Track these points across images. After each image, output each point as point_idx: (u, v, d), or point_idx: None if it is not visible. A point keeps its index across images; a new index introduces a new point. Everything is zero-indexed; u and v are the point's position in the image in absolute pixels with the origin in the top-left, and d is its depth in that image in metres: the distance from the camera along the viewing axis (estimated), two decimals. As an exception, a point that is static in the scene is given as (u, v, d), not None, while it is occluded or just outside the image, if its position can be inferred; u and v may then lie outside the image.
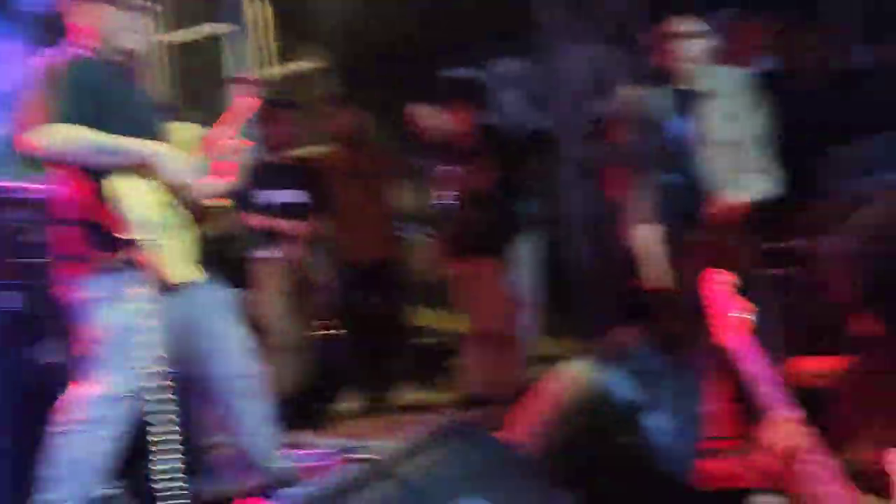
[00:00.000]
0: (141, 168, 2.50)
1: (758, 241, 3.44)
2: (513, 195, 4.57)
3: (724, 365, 3.34)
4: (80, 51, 2.61)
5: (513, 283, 4.66)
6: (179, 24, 6.45)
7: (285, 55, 6.57)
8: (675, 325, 3.20)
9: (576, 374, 1.99)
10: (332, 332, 4.93)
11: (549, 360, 5.22)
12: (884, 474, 1.34)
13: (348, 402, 4.95)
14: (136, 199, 2.47)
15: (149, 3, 2.77)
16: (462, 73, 6.57)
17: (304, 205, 4.66)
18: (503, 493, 1.17)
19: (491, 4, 6.09)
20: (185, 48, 6.48)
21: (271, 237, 4.56)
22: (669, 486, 2.08)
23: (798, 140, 3.94)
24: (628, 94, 3.48)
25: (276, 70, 6.30)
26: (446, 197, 4.74)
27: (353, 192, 4.91)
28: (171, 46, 6.38)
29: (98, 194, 2.43)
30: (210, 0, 6.65)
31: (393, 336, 5.18)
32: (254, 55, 6.38)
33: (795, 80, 4.38)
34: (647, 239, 3.33)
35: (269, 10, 6.50)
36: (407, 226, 5.50)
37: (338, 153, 5.14)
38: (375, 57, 6.47)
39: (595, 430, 1.87)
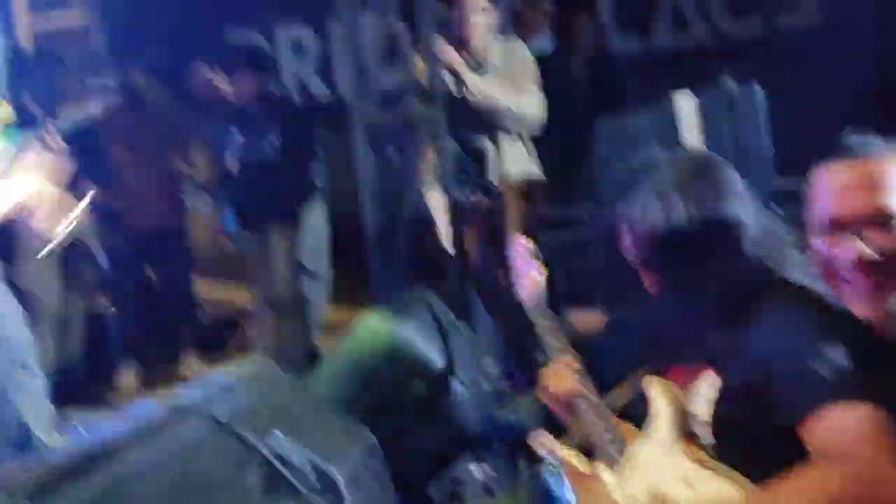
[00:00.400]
0: None
1: (539, 208, 3.69)
2: (300, 163, 4.55)
3: (515, 321, 3.59)
4: None
5: (301, 251, 4.64)
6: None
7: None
8: (465, 285, 3.38)
9: (374, 327, 2.06)
10: (109, 303, 4.67)
11: (340, 327, 5.30)
12: (645, 405, 1.51)
13: (128, 376, 4.71)
14: None
15: None
16: (246, 36, 6.41)
17: (84, 171, 4.34)
18: (310, 430, 1.21)
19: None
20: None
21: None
22: (463, 431, 2.22)
23: (572, 114, 4.27)
24: (417, 64, 3.55)
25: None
26: (231, 163, 4.62)
27: (134, 157, 4.65)
28: None
29: None
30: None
31: (176, 307, 4.99)
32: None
33: (569, 59, 4.75)
34: (438, 204, 3.46)
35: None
36: (191, 193, 5.28)
37: (113, 114, 4.83)
38: (153, 14, 6.13)
39: (392, 379, 1.95)
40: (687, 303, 1.49)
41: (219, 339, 5.38)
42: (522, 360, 3.11)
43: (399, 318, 2.10)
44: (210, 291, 5.64)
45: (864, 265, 1.26)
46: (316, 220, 4.73)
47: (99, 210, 4.38)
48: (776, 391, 1.28)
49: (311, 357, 4.15)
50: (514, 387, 3.38)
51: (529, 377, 3.17)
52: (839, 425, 1.16)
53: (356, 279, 4.84)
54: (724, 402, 1.40)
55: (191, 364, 4.89)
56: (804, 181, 1.47)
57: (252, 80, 4.52)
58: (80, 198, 4.11)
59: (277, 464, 1.05)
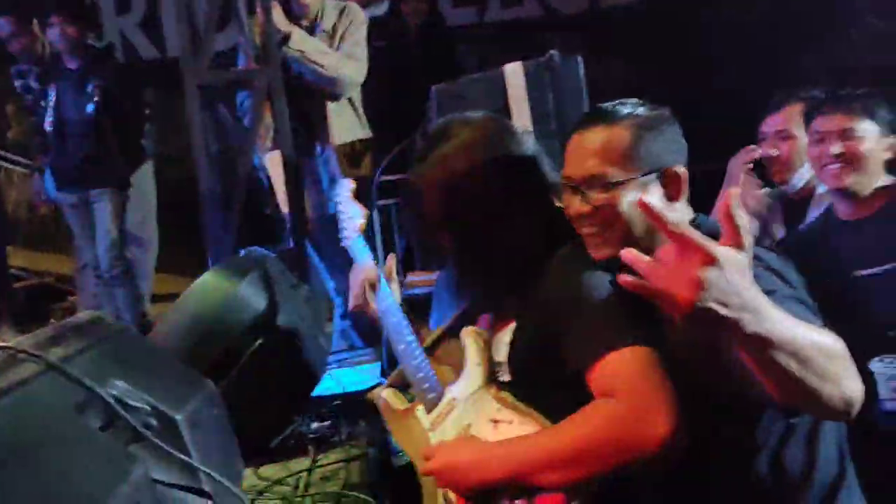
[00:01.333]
0: None
1: (371, 172, 3.74)
2: (125, 123, 4.34)
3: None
4: None
5: (128, 217, 4.44)
6: None
7: None
8: (304, 245, 3.40)
9: (211, 283, 2.05)
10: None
11: (172, 297, 5.14)
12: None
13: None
14: None
15: None
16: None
17: None
18: (148, 378, 1.22)
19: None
20: None
21: None
22: (303, 386, 2.26)
23: (406, 80, 4.34)
24: (252, 24, 3.49)
25: None
26: (49, 125, 4.33)
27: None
28: None
29: None
30: None
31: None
32: None
33: (404, 27, 4.81)
34: (276, 165, 3.44)
35: None
36: (4, 157, 4.92)
37: None
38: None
39: (230, 334, 1.96)
40: (477, 259, 1.61)
41: (40, 310, 5.08)
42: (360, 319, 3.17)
43: (236, 275, 2.10)
44: (30, 261, 5.31)
45: (579, 217, 1.44)
46: (144, 185, 4.53)
47: None
48: (560, 340, 1.42)
49: (142, 328, 4.01)
50: (353, 345, 3.46)
51: (368, 337, 3.25)
52: (614, 368, 1.33)
53: (188, 246, 4.72)
54: (517, 346, 1.54)
55: (6, 338, 4.59)
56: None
57: (68, 30, 4.23)
58: None
59: (116, 406, 1.06)
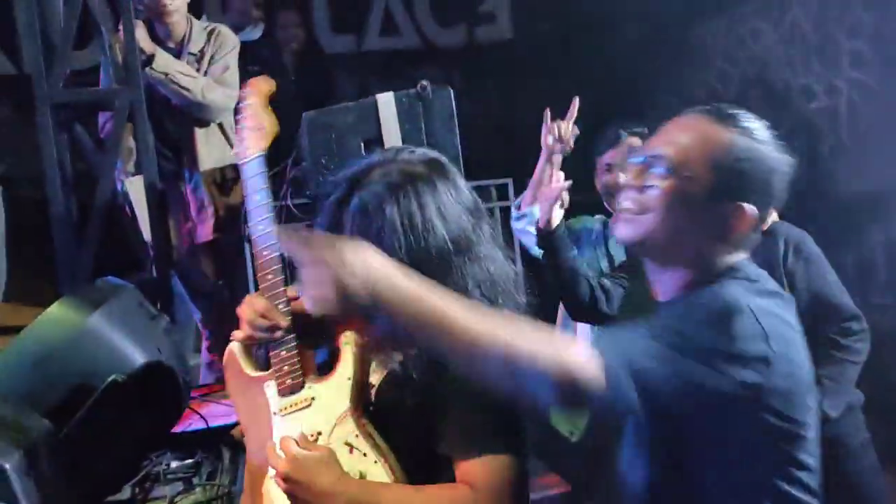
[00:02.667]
0: None
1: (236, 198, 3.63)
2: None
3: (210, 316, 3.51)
4: None
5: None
6: None
7: None
8: (166, 273, 3.25)
9: (60, 315, 1.92)
10: None
11: (19, 329, 4.80)
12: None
13: None
14: None
15: None
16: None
17: None
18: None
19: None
20: None
21: None
22: (162, 423, 2.15)
23: (278, 105, 4.25)
24: (114, 42, 3.34)
25: None
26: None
27: None
28: None
29: None
30: None
31: None
32: None
33: (278, 51, 4.74)
34: (136, 191, 3.29)
35: None
36: None
37: None
38: None
39: (81, 370, 1.84)
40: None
41: None
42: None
43: (87, 306, 1.97)
44: None
45: (626, 188, 1.46)
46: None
47: None
48: (436, 412, 1.41)
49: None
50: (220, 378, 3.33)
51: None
52: (486, 470, 1.37)
53: (39, 275, 4.44)
54: (390, 387, 1.50)
55: None
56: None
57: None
58: None
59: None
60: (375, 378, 1.53)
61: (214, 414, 2.61)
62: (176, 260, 3.39)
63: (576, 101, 2.60)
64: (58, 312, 1.93)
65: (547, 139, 2.58)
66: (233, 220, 3.42)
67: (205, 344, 3.51)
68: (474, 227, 1.45)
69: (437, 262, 1.38)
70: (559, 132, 2.55)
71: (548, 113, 2.60)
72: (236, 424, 2.25)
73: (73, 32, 3.20)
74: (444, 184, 1.45)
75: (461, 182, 1.49)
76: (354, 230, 1.41)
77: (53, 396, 1.73)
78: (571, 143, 2.59)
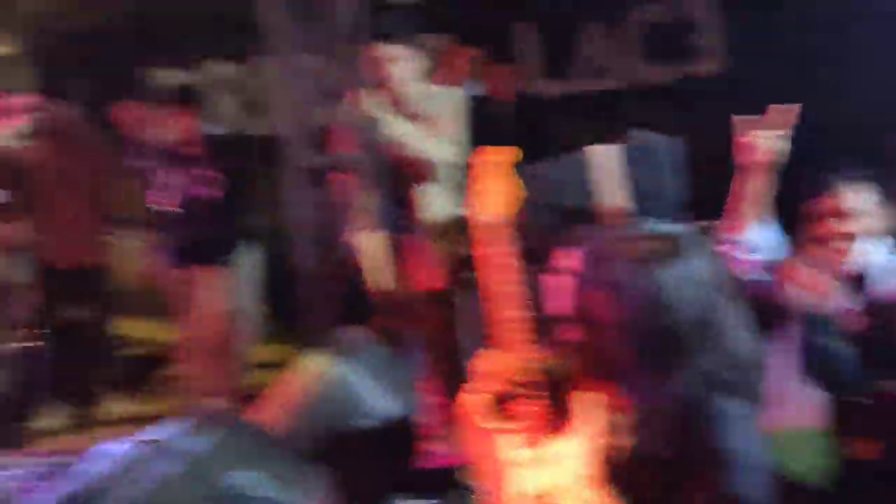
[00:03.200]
0: None
1: (462, 248, 3.82)
2: (232, 203, 4.58)
3: (436, 362, 3.69)
4: None
5: (232, 291, 4.66)
6: None
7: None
8: (395, 323, 3.48)
9: (314, 366, 2.14)
10: (32, 341, 4.57)
11: (272, 365, 5.31)
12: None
13: (51, 417, 4.61)
14: None
15: None
16: (174, 73, 6.42)
17: (5, 204, 4.30)
18: (268, 469, 1.29)
19: (204, 3, 6.03)
20: None
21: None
22: (400, 463, 2.30)
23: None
24: (352, 105, 3.65)
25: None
26: (161, 203, 4.62)
27: (58, 191, 4.59)
28: None
29: None
30: None
31: (98, 346, 4.91)
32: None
33: (493, 105, 4.94)
34: (369, 245, 3.55)
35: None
36: (117, 230, 5.23)
37: (42, 149, 4.78)
38: (79, 48, 6.09)
39: (336, 418, 2.03)
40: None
41: (144, 377, 5.31)
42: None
43: (338, 357, 2.18)
44: (134, 329, 5.58)
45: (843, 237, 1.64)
46: (246, 259, 4.76)
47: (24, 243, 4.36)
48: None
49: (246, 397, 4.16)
50: (444, 422, 3.49)
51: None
52: None
53: (287, 318, 4.90)
54: (633, 451, 1.47)
55: (113, 404, 4.83)
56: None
57: (182, 118, 4.55)
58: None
59: (242, 500, 1.13)
60: (615, 442, 1.55)
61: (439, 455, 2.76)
62: (406, 309, 3.61)
63: (794, 109, 2.42)
64: (317, 365, 2.16)
65: (753, 150, 2.40)
66: (459, 271, 3.60)
67: (426, 386, 3.69)
68: (720, 304, 1.40)
69: (683, 342, 1.34)
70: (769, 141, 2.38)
71: (743, 123, 2.42)
72: (462, 467, 2.35)
73: (318, 101, 3.56)
74: (691, 259, 1.40)
75: (707, 256, 1.44)
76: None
77: (313, 441, 1.93)
78: (782, 155, 2.40)
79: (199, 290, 4.56)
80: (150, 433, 1.24)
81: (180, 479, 1.09)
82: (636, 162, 2.90)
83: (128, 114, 5.30)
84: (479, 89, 4.81)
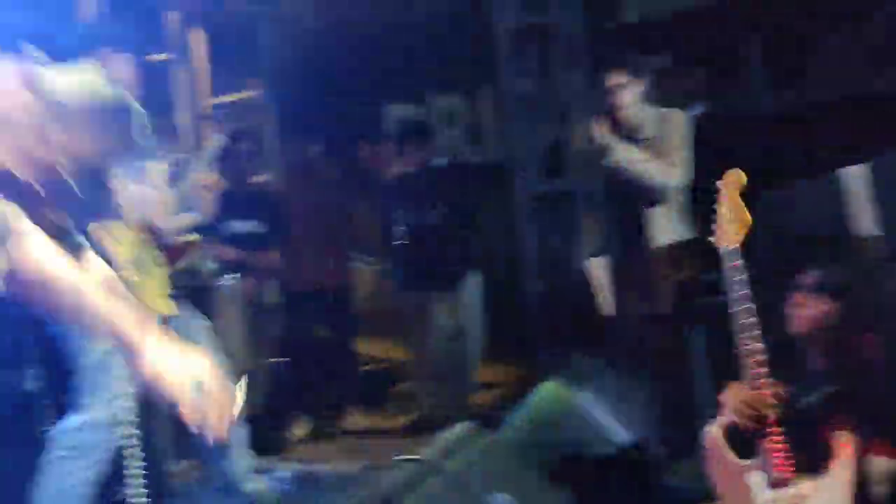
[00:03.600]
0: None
1: (689, 273, 3.74)
2: (459, 229, 4.80)
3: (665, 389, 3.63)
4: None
5: (457, 312, 4.88)
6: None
7: (224, 84, 6.60)
8: (625, 349, 3.48)
9: (551, 392, 2.21)
10: (282, 358, 5.02)
11: (497, 385, 5.47)
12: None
13: (299, 428, 5.03)
14: (114, 240, 2.54)
15: None
16: (404, 109, 6.82)
17: (259, 233, 4.79)
18: (519, 489, 1.37)
19: (432, 38, 6.36)
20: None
21: (229, 265, 4.66)
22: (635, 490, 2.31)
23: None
24: (579, 131, 3.71)
25: (219, 99, 6.33)
26: (394, 230, 4.94)
27: (304, 221, 5.03)
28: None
29: None
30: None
31: (340, 363, 5.29)
32: (195, 84, 6.41)
33: (720, 124, 4.79)
34: (598, 270, 3.59)
35: (206, 39, 6.56)
36: (356, 256, 5.65)
37: (291, 182, 5.28)
38: (315, 88, 6.62)
39: (576, 445, 2.08)
40: None
41: (378, 393, 5.66)
42: (684, 423, 3.18)
43: (576, 384, 2.24)
44: (371, 348, 5.95)
45: None
46: (472, 283, 4.97)
47: (275, 268, 4.82)
48: None
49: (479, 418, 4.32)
50: (674, 451, 3.43)
51: (690, 441, 3.22)
52: None
53: (509, 340, 5.03)
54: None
55: (354, 417, 5.17)
56: None
57: (412, 151, 4.85)
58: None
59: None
60: (873, 489, 1.49)
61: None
62: (636, 335, 3.60)
63: None
64: (550, 390, 2.23)
65: None
66: (685, 296, 3.54)
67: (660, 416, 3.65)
68: None
69: None
70: None
71: None
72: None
73: (539, 127, 3.65)
74: None
75: None
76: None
77: (553, 467, 2.00)
78: None
79: (428, 312, 4.81)
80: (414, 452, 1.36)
81: (447, 497, 1.19)
82: (889, 184, 2.70)
83: (362, 149, 5.76)
84: (705, 109, 4.69)
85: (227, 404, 1.40)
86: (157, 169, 2.83)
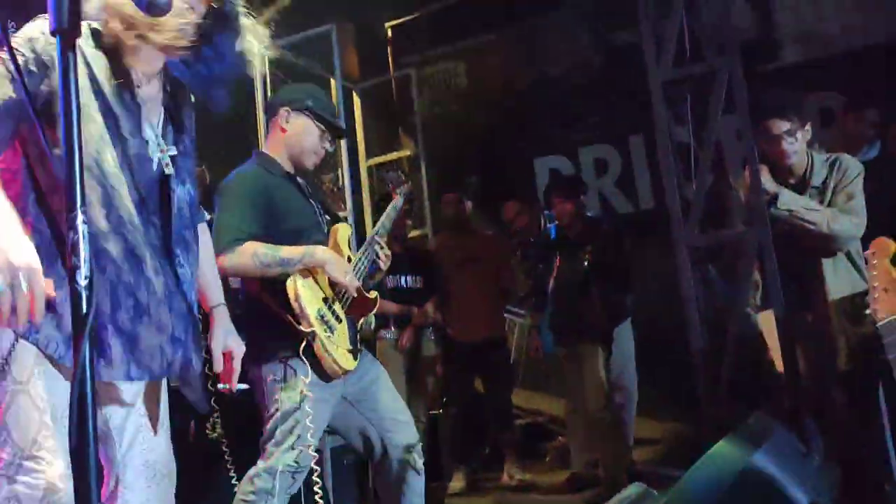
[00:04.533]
0: (309, 269, 2.73)
1: (868, 328, 3.51)
2: (611, 280, 4.75)
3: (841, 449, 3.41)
4: (260, 158, 2.91)
5: (615, 367, 4.80)
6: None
7: (381, 144, 6.89)
8: (797, 407, 3.30)
9: (727, 452, 2.13)
10: (440, 409, 5.10)
11: (655, 442, 5.32)
12: None
13: (455, 480, 5.06)
14: (308, 295, 2.70)
15: (343, 132, 3.08)
16: (555, 161, 6.88)
17: (416, 288, 4.94)
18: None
19: (583, 90, 6.41)
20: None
21: (390, 319, 4.83)
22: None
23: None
24: (742, 179, 3.61)
25: (378, 160, 6.61)
26: (548, 282, 4.94)
27: (461, 275, 5.13)
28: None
29: (277, 290, 2.67)
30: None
31: (495, 415, 5.30)
32: (355, 145, 6.72)
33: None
34: (765, 323, 3.44)
35: (363, 101, 6.88)
36: (511, 308, 5.70)
37: (446, 238, 5.42)
38: (468, 144, 6.80)
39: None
40: None
41: (534, 448, 5.62)
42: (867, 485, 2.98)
43: (749, 445, 2.14)
44: (527, 401, 5.95)
45: None
46: (625, 338, 4.89)
47: (434, 322, 4.93)
48: None
49: (639, 476, 4.21)
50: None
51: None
52: None
53: (669, 395, 4.89)
54: None
55: (511, 470, 5.15)
56: None
57: (567, 206, 4.87)
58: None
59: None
60: None
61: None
62: (809, 392, 3.41)
63: None
64: (725, 449, 2.15)
65: None
66: (865, 351, 3.32)
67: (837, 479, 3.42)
68: None
69: None
70: None
71: None
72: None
73: (706, 185, 3.57)
74: None
75: None
76: None
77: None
78: None
79: (582, 366, 4.75)
80: None
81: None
82: None
83: (513, 204, 5.85)
84: (878, 152, 4.44)
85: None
86: (344, 230, 2.97)
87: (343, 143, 6.68)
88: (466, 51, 7.20)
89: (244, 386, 2.15)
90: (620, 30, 6.16)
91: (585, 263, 4.76)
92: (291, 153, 2.91)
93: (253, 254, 2.66)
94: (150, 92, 1.90)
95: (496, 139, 6.78)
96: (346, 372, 2.74)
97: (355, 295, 2.83)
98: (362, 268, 2.91)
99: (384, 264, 2.98)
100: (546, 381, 5.66)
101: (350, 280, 2.77)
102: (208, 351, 2.08)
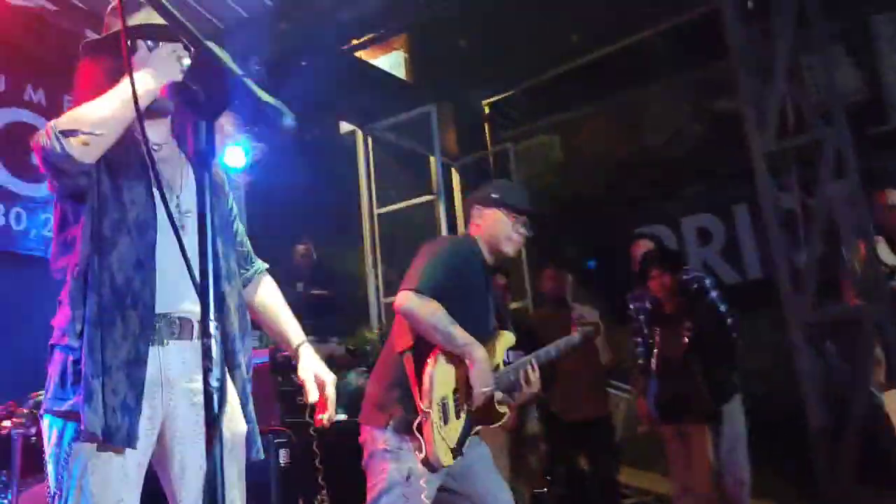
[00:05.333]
0: (458, 358, 2.73)
1: None
2: (717, 355, 4.58)
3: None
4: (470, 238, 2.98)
5: (722, 446, 4.59)
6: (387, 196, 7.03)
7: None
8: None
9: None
10: (545, 488, 4.99)
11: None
12: None
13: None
14: (442, 378, 2.71)
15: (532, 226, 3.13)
16: (654, 231, 6.77)
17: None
18: None
19: (683, 160, 6.35)
20: (395, 217, 6.99)
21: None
22: None
23: None
24: (859, 251, 3.49)
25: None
26: (651, 359, 4.81)
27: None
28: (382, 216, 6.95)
29: (419, 358, 2.70)
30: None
31: (603, 493, 5.15)
32: (453, 220, 6.81)
33: None
34: (891, 401, 3.27)
35: (461, 176, 7.01)
36: (615, 385, 5.57)
37: (546, 313, 5.38)
38: (565, 214, 6.80)
39: None
40: None
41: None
42: None
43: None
44: (633, 478, 5.76)
45: None
46: (734, 417, 4.68)
47: (537, 399, 4.85)
48: None
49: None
50: None
51: None
52: None
53: (782, 474, 4.65)
54: None
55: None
56: None
57: (665, 280, 4.75)
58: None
59: None
60: None
61: None
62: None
63: None
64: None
65: None
66: None
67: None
68: None
69: None
70: None
71: None
72: None
73: (816, 255, 3.47)
74: None
75: None
76: None
77: None
78: None
79: (689, 446, 4.57)
80: None
81: None
82: None
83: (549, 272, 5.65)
84: None
85: None
86: (506, 338, 2.98)
87: (443, 218, 6.84)
88: (562, 124, 7.26)
89: (343, 417, 2.16)
90: (721, 98, 6.11)
91: (686, 339, 4.62)
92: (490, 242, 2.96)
93: (433, 311, 2.70)
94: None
95: (595, 210, 6.75)
96: (440, 466, 2.70)
97: (479, 405, 2.78)
98: (506, 381, 2.89)
99: (527, 388, 2.94)
100: (653, 458, 5.46)
101: (481, 393, 2.72)
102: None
